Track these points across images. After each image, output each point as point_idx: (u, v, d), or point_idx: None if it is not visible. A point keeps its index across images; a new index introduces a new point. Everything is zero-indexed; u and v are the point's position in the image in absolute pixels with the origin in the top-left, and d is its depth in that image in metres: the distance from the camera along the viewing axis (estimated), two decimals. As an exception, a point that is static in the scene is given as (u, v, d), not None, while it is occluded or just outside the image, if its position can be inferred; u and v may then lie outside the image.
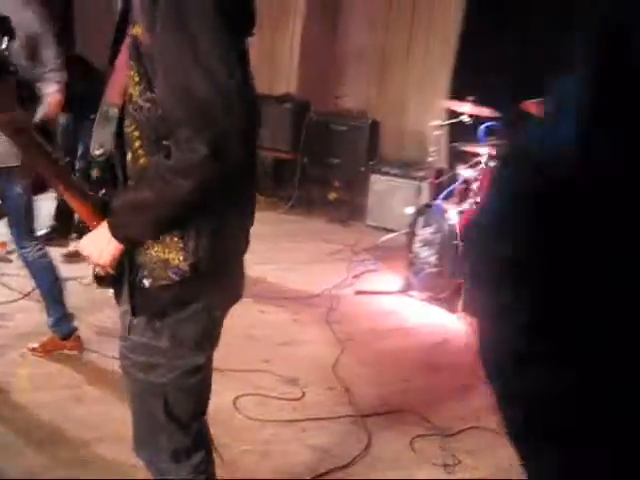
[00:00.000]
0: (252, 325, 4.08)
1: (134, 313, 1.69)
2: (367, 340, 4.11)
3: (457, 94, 5.17)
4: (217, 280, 1.70)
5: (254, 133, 1.53)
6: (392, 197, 6.38)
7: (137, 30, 1.51)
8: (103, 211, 1.64)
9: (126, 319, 1.73)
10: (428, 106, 7.63)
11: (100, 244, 1.63)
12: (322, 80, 8.20)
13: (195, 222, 1.59)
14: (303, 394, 3.39)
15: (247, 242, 1.81)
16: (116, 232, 1.59)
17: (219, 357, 2.68)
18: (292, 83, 7.97)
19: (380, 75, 8.53)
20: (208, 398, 1.90)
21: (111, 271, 1.68)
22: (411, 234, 4.99)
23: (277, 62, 8.04)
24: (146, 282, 1.64)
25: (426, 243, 4.88)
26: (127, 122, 1.59)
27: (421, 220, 4.96)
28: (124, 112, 1.60)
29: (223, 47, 1.45)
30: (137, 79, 1.53)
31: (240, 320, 4.09)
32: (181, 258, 1.61)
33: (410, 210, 5.22)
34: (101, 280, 1.75)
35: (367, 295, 4.80)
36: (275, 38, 8.02)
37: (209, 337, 1.79)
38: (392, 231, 5.95)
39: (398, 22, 8.25)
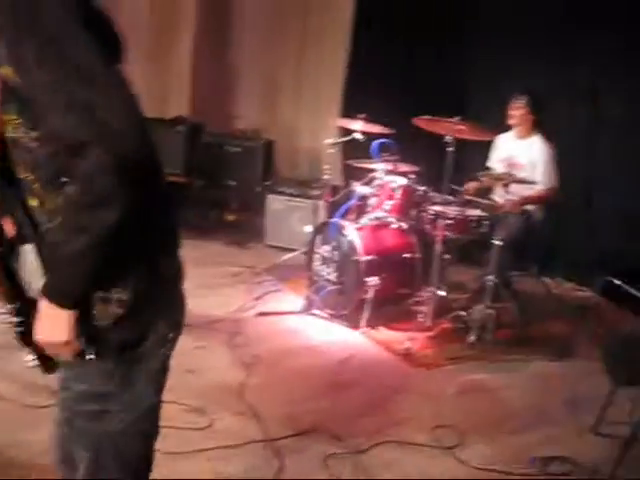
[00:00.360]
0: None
1: (82, 357, 1.57)
2: (273, 362, 4.10)
3: (349, 112, 5.26)
4: (161, 312, 1.66)
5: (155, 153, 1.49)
6: (290, 216, 6.41)
7: (5, 72, 1.42)
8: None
9: (67, 367, 1.64)
10: (321, 124, 7.71)
11: (52, 326, 1.49)
12: (215, 101, 8.15)
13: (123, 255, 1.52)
14: (211, 422, 3.33)
15: (180, 266, 1.74)
16: (62, 299, 1.47)
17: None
18: (184, 106, 7.89)
19: (273, 95, 8.56)
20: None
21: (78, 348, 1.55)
22: (310, 253, 5.02)
23: (168, 85, 7.94)
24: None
25: (325, 261, 4.91)
26: (19, 169, 1.52)
27: (319, 238, 5.00)
28: (8, 160, 1.52)
29: (112, 74, 1.43)
30: (18, 121, 1.45)
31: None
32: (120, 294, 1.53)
33: (308, 229, 5.26)
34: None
35: (270, 316, 4.78)
36: (165, 61, 7.92)
37: (163, 374, 1.74)
38: (291, 250, 5.98)
39: (289, 42, 8.31)
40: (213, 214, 7.16)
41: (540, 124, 5.23)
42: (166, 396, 3.44)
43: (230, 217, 6.99)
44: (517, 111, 5.18)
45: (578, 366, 3.89)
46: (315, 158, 7.52)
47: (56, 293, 1.47)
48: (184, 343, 4.13)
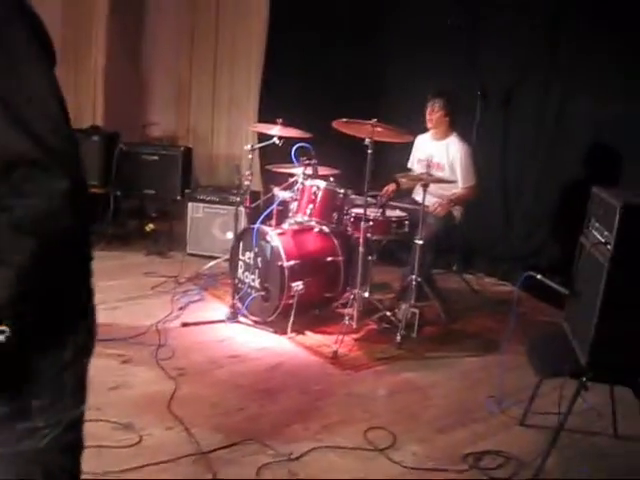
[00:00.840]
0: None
1: None
2: (200, 372, 4.03)
3: (267, 117, 5.25)
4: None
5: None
6: (211, 224, 6.36)
7: None
8: None
9: None
10: (238, 131, 7.69)
11: None
12: (129, 110, 8.03)
13: None
14: (140, 438, 3.26)
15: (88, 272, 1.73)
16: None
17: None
18: (98, 115, 7.74)
19: (188, 102, 8.49)
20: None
21: None
22: (233, 260, 4.97)
23: (81, 94, 7.77)
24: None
25: (248, 268, 4.88)
26: None
27: (242, 245, 4.96)
28: None
29: (53, 84, 1.39)
30: None
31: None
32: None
33: (230, 236, 5.22)
34: None
35: (195, 326, 4.71)
36: (78, 70, 7.75)
37: (84, 385, 1.70)
38: (214, 258, 5.92)
39: (203, 49, 8.26)
40: (133, 224, 7.05)
41: (455, 123, 5.32)
42: (93, 414, 3.40)
43: (150, 226, 6.87)
44: (433, 114, 5.26)
45: (504, 360, 3.94)
46: (234, 164, 7.48)
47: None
48: (109, 358, 4.10)
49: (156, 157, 6.67)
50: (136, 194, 6.82)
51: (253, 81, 7.72)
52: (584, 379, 2.95)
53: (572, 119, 5.86)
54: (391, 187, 5.34)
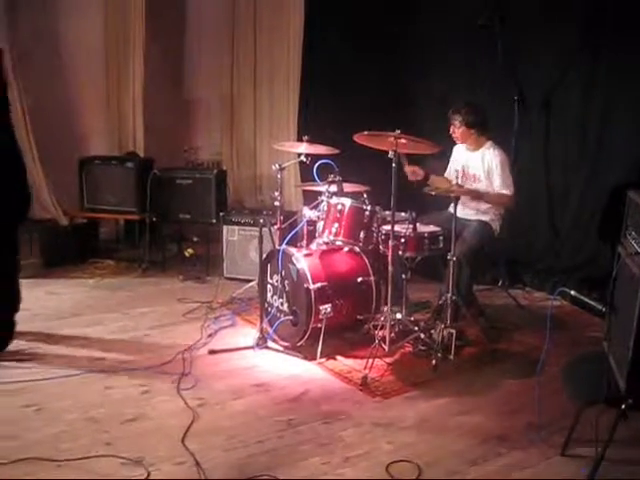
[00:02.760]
0: (94, 405, 3.76)
1: None
2: (221, 403, 3.85)
3: (304, 135, 5.11)
4: None
5: None
6: (247, 246, 6.23)
7: None
8: None
9: None
10: (276, 151, 7.57)
11: None
12: (169, 135, 8.01)
13: None
14: (148, 474, 3.09)
15: None
16: None
17: (51, 446, 2.39)
18: (139, 142, 7.73)
19: (229, 125, 8.45)
20: None
21: None
22: (262, 283, 4.81)
23: (124, 123, 7.80)
24: None
25: (276, 291, 4.70)
26: None
27: (269, 267, 4.79)
28: None
29: None
30: None
31: (80, 402, 3.80)
32: None
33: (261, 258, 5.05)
34: None
35: (222, 353, 4.54)
36: (120, 97, 7.78)
37: None
38: (250, 282, 5.77)
39: (242, 72, 8.22)
40: (170, 250, 6.97)
41: (488, 131, 5.06)
42: (102, 449, 3.26)
43: (190, 251, 6.79)
44: (456, 131, 5.04)
45: (548, 383, 3.65)
46: (268, 185, 7.38)
47: None
48: (130, 388, 3.98)
49: (190, 181, 6.58)
50: (172, 219, 6.74)
51: (291, 101, 7.63)
52: (623, 407, 2.66)
53: (618, 123, 5.54)
54: (419, 171, 5.03)
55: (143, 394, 3.96)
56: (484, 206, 4.97)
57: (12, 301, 4.43)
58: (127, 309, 5.46)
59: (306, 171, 5.28)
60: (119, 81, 7.73)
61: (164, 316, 5.34)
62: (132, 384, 4.09)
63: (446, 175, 5.32)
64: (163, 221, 6.76)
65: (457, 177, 4.70)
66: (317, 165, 4.68)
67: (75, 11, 7.40)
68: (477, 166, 5.00)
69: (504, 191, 4.88)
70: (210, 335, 4.88)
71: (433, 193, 4.57)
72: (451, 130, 5.07)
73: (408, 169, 4.96)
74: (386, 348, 4.40)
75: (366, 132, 4.30)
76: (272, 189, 6.25)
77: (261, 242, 4.70)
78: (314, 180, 4.94)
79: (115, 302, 5.58)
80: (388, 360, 4.41)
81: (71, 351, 4.55)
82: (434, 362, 4.31)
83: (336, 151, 4.87)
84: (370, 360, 4.23)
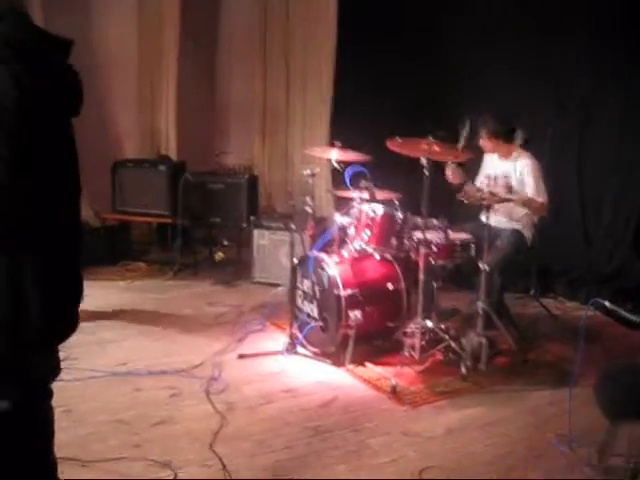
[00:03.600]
0: (123, 407, 3.78)
1: None
2: (249, 408, 3.86)
3: (335, 140, 5.11)
4: None
5: None
6: (277, 251, 6.23)
7: None
8: None
9: None
10: (308, 157, 7.56)
11: None
12: (201, 139, 8.05)
13: None
14: (175, 476, 3.10)
15: None
16: None
17: (80, 448, 2.41)
18: (171, 145, 7.78)
19: (261, 130, 8.46)
20: None
21: None
22: (292, 288, 4.80)
23: (156, 126, 7.85)
24: None
25: (307, 296, 4.69)
26: None
27: (300, 273, 4.78)
28: None
29: None
30: None
31: (110, 403, 3.83)
32: None
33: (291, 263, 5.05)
34: None
35: (251, 358, 4.55)
36: (153, 103, 7.84)
37: None
38: (279, 286, 5.77)
39: (275, 76, 8.24)
40: (201, 253, 6.99)
41: (513, 137, 5.01)
42: (131, 452, 3.28)
43: (220, 255, 6.82)
44: (484, 143, 5.00)
45: (580, 394, 3.60)
46: (303, 190, 7.36)
47: None
48: (159, 391, 4.00)
49: (222, 185, 6.59)
50: (204, 223, 6.77)
51: (323, 106, 7.63)
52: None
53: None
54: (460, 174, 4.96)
55: (172, 397, 3.98)
56: (517, 214, 4.92)
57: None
58: (156, 311, 5.48)
59: (338, 177, 5.27)
60: (152, 85, 7.79)
61: (194, 319, 5.36)
62: (161, 387, 4.11)
63: (477, 184, 5.28)
64: (194, 225, 6.79)
65: (488, 185, 4.64)
66: (349, 171, 4.67)
67: (109, 14, 7.46)
68: (509, 174, 4.95)
69: (538, 198, 4.82)
70: (240, 339, 4.89)
71: (466, 201, 4.54)
72: (480, 143, 5.02)
73: (448, 170, 4.92)
74: (416, 356, 4.37)
75: (399, 139, 4.28)
76: (303, 194, 6.26)
77: (292, 247, 4.70)
78: (346, 186, 4.94)
79: (145, 304, 5.61)
80: (418, 368, 4.38)
81: (100, 352, 4.58)
82: (464, 371, 4.27)
83: (367, 158, 4.85)
84: (399, 368, 4.21)
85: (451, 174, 4.86)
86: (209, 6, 8.24)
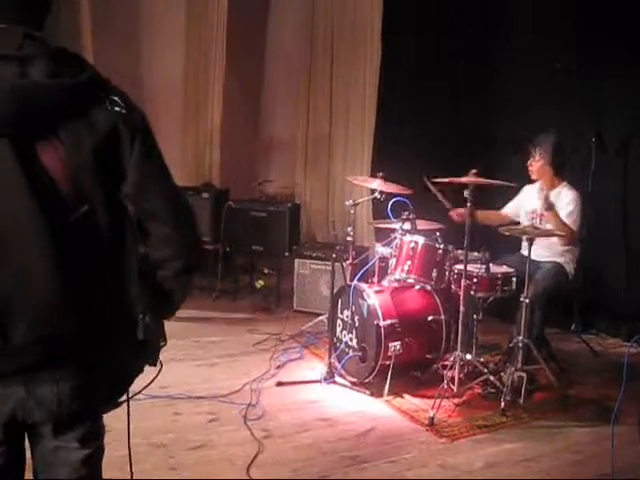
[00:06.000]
0: (162, 430, 3.82)
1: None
2: (287, 435, 3.86)
3: (377, 172, 5.13)
4: None
5: None
6: (317, 280, 6.26)
7: None
8: None
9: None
10: (349, 186, 7.61)
11: None
12: (244, 167, 8.16)
13: None
14: (210, 502, 3.12)
15: None
16: None
17: (116, 468, 2.45)
18: (215, 173, 7.89)
19: (303, 159, 8.55)
20: None
21: None
22: (332, 318, 4.82)
23: (201, 154, 7.98)
24: None
25: (346, 326, 4.70)
26: None
27: (340, 302, 4.80)
28: None
29: None
30: None
31: (148, 426, 3.86)
32: None
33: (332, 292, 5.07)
34: None
35: (289, 386, 4.56)
36: (198, 131, 7.97)
37: None
38: (318, 315, 5.78)
39: (318, 107, 8.33)
40: (242, 280, 7.05)
41: (564, 172, 4.99)
42: (168, 475, 3.30)
43: (260, 283, 6.87)
44: (534, 164, 4.97)
45: (623, 432, 3.54)
46: (341, 220, 7.40)
47: None
48: (197, 416, 4.02)
49: (264, 214, 6.66)
50: (245, 250, 6.84)
51: (366, 137, 7.68)
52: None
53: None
54: (458, 212, 4.96)
55: (210, 422, 4.00)
56: (559, 248, 4.89)
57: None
58: (197, 337, 5.52)
59: (379, 207, 5.29)
60: (197, 113, 7.93)
61: (233, 346, 5.39)
62: (199, 411, 4.14)
63: (506, 212, 5.25)
64: (236, 252, 6.86)
65: (533, 219, 4.62)
66: (392, 202, 4.69)
67: (157, 44, 7.65)
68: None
69: (568, 223, 4.74)
70: (278, 367, 4.91)
71: (507, 233, 4.52)
72: (529, 163, 5.00)
73: (453, 213, 4.95)
74: (454, 389, 4.35)
75: (438, 179, 4.32)
76: (344, 224, 6.30)
77: (333, 277, 4.72)
78: (387, 217, 4.96)
79: (185, 329, 5.65)
80: (456, 401, 4.35)
81: (141, 375, 4.61)
82: (503, 405, 4.23)
83: (409, 189, 4.87)
84: (438, 400, 4.19)
85: (455, 215, 4.90)
86: (255, 38, 8.40)
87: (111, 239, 1.72)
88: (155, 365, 1.97)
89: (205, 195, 6.86)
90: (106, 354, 1.77)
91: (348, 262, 5.08)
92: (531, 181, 5.14)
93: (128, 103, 1.72)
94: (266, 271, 7.13)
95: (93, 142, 1.64)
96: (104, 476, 2.99)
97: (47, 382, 1.68)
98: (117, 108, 1.68)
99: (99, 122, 1.65)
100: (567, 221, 4.74)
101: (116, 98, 1.70)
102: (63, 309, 1.64)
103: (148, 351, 1.93)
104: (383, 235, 5.26)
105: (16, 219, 1.58)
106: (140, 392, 2.02)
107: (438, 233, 4.79)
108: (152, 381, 2.06)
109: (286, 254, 6.59)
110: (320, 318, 5.67)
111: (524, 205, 5.15)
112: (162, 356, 1.96)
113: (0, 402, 1.65)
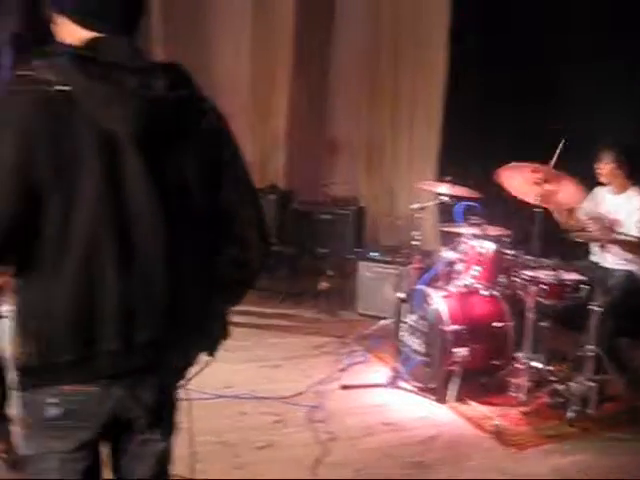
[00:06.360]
0: (228, 429, 3.86)
1: None
2: (351, 438, 3.86)
3: (441, 175, 5.09)
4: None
5: None
6: (382, 284, 6.21)
7: None
8: None
9: None
10: (415, 190, 7.56)
11: None
12: (309, 169, 8.17)
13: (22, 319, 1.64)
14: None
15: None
16: None
17: (184, 466, 2.50)
18: (280, 175, 7.94)
19: (367, 161, 8.52)
20: None
21: None
22: (397, 322, 4.80)
23: (266, 156, 8.03)
24: None
25: (412, 331, 4.67)
26: None
27: (406, 306, 4.77)
28: None
29: None
30: None
31: (215, 424, 3.91)
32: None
33: (397, 296, 5.06)
34: None
35: (353, 389, 4.56)
36: (264, 133, 8.03)
37: None
38: (383, 319, 5.76)
39: (383, 109, 8.29)
40: (306, 282, 7.06)
41: (634, 174, 4.85)
42: (234, 474, 3.34)
43: (323, 285, 6.87)
44: (603, 167, 4.85)
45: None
46: (409, 224, 7.35)
47: None
48: (262, 416, 4.06)
49: (329, 216, 6.68)
50: (310, 252, 6.86)
51: (432, 140, 7.62)
52: None
53: None
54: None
55: (275, 423, 4.03)
56: (631, 255, 4.76)
57: None
58: (260, 338, 5.57)
59: (445, 211, 5.25)
60: (263, 114, 7.98)
61: (296, 347, 5.41)
62: (264, 412, 4.17)
63: (580, 216, 5.13)
64: (300, 254, 6.88)
65: (599, 223, 4.51)
66: (460, 206, 4.65)
67: (223, 45, 7.72)
68: (620, 210, 4.80)
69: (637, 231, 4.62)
70: (342, 370, 4.91)
71: (580, 240, 4.44)
72: (599, 166, 4.88)
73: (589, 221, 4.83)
74: (521, 397, 4.28)
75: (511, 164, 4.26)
76: (409, 227, 6.26)
77: (400, 280, 4.70)
78: (453, 220, 4.91)
79: (248, 330, 5.69)
80: (522, 409, 4.28)
81: (204, 375, 4.67)
82: (571, 415, 4.15)
83: (477, 193, 4.82)
84: (504, 408, 4.13)
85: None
86: (321, 41, 8.40)
87: (207, 242, 1.83)
88: (214, 356, 2.03)
89: (271, 197, 6.91)
90: (192, 353, 1.93)
91: (414, 266, 5.05)
92: (601, 183, 5.03)
93: (218, 111, 1.87)
94: (330, 273, 7.13)
95: (204, 150, 1.79)
96: (171, 472, 3.05)
97: (146, 381, 1.77)
98: (215, 116, 1.85)
99: (206, 130, 1.80)
100: (636, 228, 4.62)
101: (213, 107, 1.86)
102: (172, 312, 1.73)
103: (215, 343, 2.01)
104: (448, 239, 5.21)
105: (143, 224, 1.66)
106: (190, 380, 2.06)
107: (506, 238, 4.73)
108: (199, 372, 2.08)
109: (350, 257, 6.58)
110: (384, 322, 5.64)
111: (595, 209, 5.04)
112: (229, 356, 2.01)
113: (100, 402, 1.71)
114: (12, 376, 1.70)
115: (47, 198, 1.56)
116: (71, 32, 1.69)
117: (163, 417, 1.88)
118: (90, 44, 1.65)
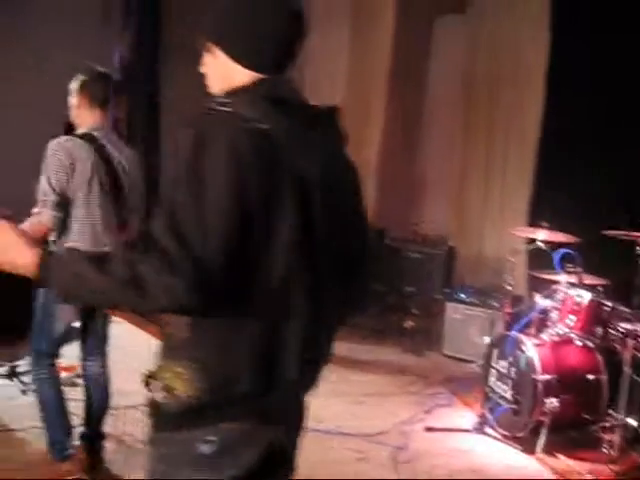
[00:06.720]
0: (312, 464, 3.84)
1: None
2: (436, 482, 3.82)
3: (534, 220, 5.00)
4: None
5: None
6: (468, 326, 6.13)
7: None
8: None
9: None
10: (506, 232, 7.46)
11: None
12: (399, 204, 8.16)
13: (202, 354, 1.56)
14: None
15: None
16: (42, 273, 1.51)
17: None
18: (369, 210, 7.94)
19: (458, 201, 8.46)
20: None
21: None
22: (486, 367, 4.72)
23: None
24: None
25: (501, 377, 4.59)
26: None
27: (496, 352, 4.70)
28: None
29: None
30: None
31: (301, 458, 3.90)
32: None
33: (486, 340, 4.99)
34: None
35: (438, 432, 4.50)
36: (357, 162, 8.06)
37: None
38: (469, 362, 5.69)
39: (475, 149, 8.24)
40: (392, 320, 7.03)
41: None
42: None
43: (409, 323, 6.83)
44: None
45: None
46: (499, 267, 7.25)
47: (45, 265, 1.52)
48: (345, 452, 4.04)
49: (419, 255, 6.66)
50: (398, 290, 6.84)
51: (526, 183, 7.51)
52: None
53: None
54: None
55: (359, 460, 4.02)
56: None
57: None
58: (344, 373, 5.54)
59: (537, 256, 5.15)
60: (356, 152, 8.00)
61: (380, 385, 5.38)
62: (348, 448, 4.15)
63: None
64: (388, 291, 6.86)
65: None
66: (558, 253, 4.56)
67: (319, 74, 7.81)
68: None
69: None
70: (426, 411, 4.85)
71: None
72: None
73: None
74: (613, 454, 4.14)
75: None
76: (498, 271, 6.18)
77: (492, 325, 4.64)
78: (544, 266, 4.83)
79: (332, 365, 5.67)
80: (614, 467, 4.13)
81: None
82: (667, 479, 3.99)
83: (576, 240, 4.72)
84: (594, 464, 4.00)
85: None
86: (416, 73, 8.41)
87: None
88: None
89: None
90: None
91: (505, 310, 4.98)
92: None
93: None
94: (416, 312, 7.08)
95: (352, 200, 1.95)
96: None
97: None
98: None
99: (351, 182, 1.98)
100: None
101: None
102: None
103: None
104: (539, 285, 5.11)
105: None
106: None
107: (604, 288, 4.62)
108: None
109: (438, 297, 6.53)
110: (471, 365, 5.56)
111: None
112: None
113: (263, 434, 1.69)
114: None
115: (247, 236, 1.49)
116: (225, 67, 1.65)
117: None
118: (265, 84, 1.62)
